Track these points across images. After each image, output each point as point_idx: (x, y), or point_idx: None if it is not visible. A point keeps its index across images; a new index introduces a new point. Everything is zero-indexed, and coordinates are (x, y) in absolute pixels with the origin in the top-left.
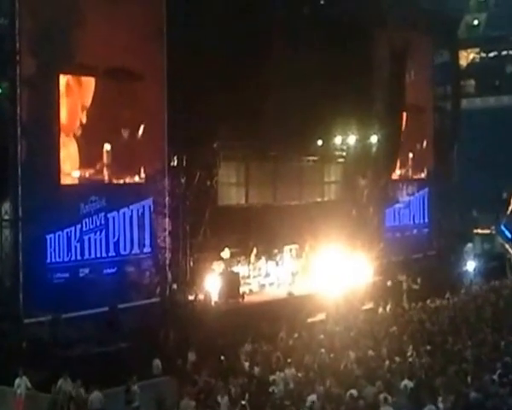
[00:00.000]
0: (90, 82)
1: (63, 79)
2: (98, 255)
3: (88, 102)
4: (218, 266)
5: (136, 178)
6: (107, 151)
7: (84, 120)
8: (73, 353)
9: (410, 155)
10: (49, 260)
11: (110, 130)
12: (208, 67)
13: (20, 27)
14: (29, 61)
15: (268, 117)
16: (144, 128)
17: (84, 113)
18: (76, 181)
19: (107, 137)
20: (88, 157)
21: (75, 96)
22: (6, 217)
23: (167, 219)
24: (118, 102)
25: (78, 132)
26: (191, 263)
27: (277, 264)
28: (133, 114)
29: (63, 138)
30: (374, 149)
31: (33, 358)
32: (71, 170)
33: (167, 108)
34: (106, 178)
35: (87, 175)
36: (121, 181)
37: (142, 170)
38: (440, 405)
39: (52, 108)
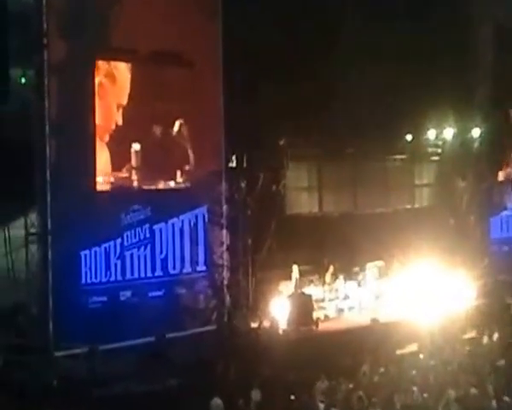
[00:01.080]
0: (125, 76)
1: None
2: (142, 275)
3: (124, 99)
4: (286, 288)
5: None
6: (138, 153)
7: (120, 122)
8: (113, 391)
9: None
10: (83, 282)
11: (149, 128)
12: (270, 50)
13: (49, 4)
14: (59, 45)
15: (343, 108)
16: (197, 124)
17: (120, 112)
18: (116, 187)
19: (141, 136)
20: (119, 162)
21: (109, 97)
22: (33, 230)
23: (225, 232)
24: (160, 93)
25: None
26: (254, 284)
27: (359, 284)
28: (180, 107)
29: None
30: (475, 144)
31: (66, 398)
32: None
33: (223, 100)
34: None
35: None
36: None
37: (191, 175)
38: None
39: (86, 100)
